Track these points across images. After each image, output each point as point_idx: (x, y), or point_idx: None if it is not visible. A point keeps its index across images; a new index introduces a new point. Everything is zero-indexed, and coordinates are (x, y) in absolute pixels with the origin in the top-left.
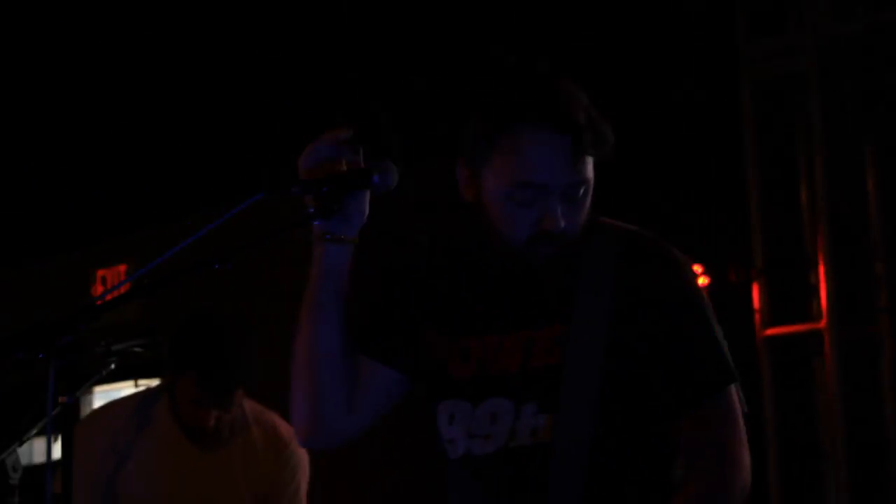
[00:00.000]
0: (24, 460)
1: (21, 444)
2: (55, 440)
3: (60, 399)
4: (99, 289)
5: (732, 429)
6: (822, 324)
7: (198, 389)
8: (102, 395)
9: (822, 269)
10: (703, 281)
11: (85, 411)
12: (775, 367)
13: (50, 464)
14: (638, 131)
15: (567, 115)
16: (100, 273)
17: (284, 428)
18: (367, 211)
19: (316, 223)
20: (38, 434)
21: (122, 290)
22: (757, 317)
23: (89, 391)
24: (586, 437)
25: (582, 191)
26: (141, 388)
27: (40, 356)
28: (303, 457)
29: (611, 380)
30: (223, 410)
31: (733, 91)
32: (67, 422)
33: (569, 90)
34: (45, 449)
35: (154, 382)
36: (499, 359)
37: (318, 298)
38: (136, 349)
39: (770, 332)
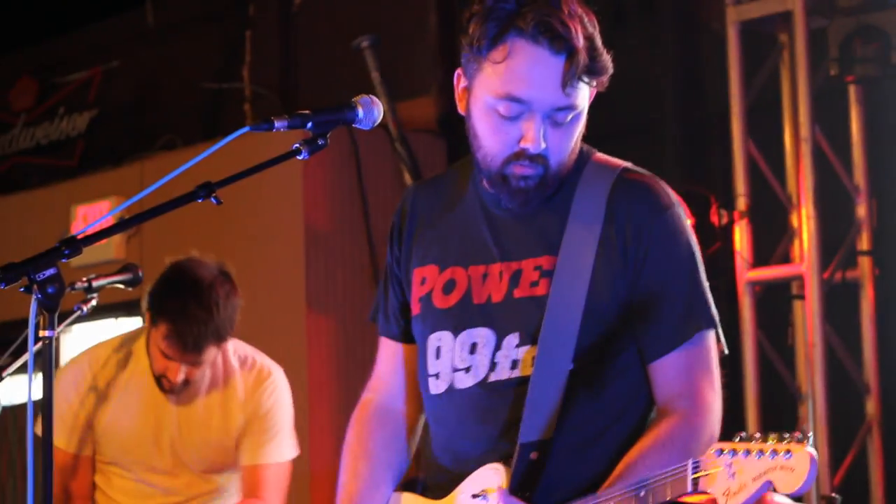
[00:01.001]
0: (4, 400)
1: (1, 379)
2: (36, 376)
3: (41, 334)
4: (80, 225)
5: (706, 374)
6: (804, 267)
7: (166, 343)
8: (82, 333)
9: (803, 212)
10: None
11: (65, 348)
12: (756, 310)
13: (31, 401)
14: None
15: (566, 35)
16: (80, 209)
17: (266, 362)
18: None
19: (303, 157)
20: (19, 371)
21: (105, 223)
22: (738, 259)
23: (69, 328)
24: (563, 369)
25: (570, 117)
26: (122, 331)
27: (21, 290)
28: (284, 391)
29: (592, 314)
30: (191, 366)
31: (718, 31)
32: (49, 358)
33: (574, 11)
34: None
35: (133, 321)
36: (484, 288)
37: None
38: (118, 285)
39: (751, 274)
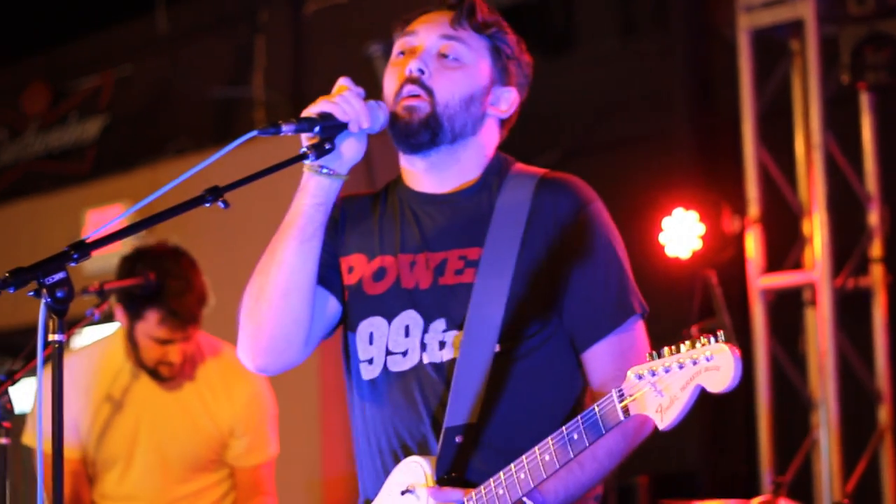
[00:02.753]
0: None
1: (14, 383)
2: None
3: (51, 338)
4: (90, 230)
5: (636, 361)
6: (816, 274)
7: (163, 327)
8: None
9: (815, 219)
10: (699, 233)
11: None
12: (768, 317)
13: (40, 403)
14: (634, 77)
15: (459, 3)
16: (92, 214)
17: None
18: (362, 150)
19: (310, 160)
20: (31, 374)
21: (114, 227)
22: (750, 266)
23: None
24: (488, 354)
25: (453, 51)
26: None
27: (31, 294)
28: (263, 387)
29: (516, 301)
30: (187, 342)
31: (729, 38)
32: (59, 363)
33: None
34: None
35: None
36: (412, 275)
37: (305, 229)
38: (130, 289)
39: (763, 281)
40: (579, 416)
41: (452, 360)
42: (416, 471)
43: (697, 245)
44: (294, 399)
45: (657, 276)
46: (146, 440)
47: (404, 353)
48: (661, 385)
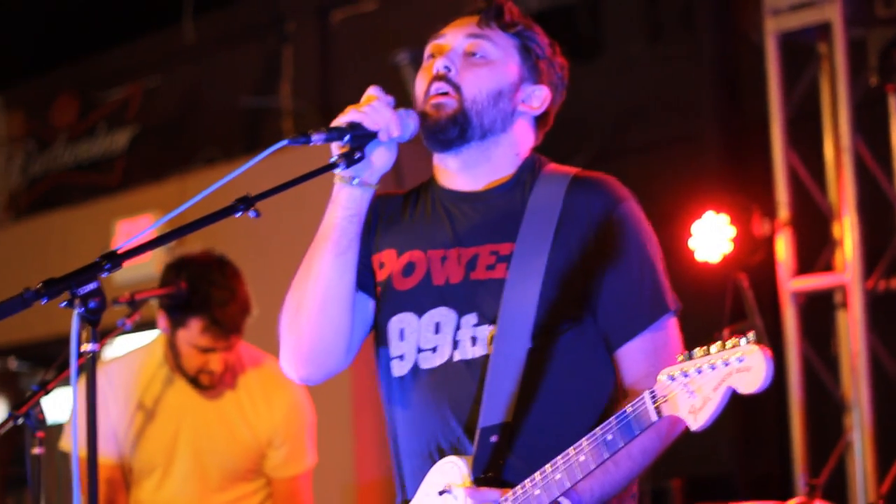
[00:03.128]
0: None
1: (47, 393)
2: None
3: (84, 348)
4: (122, 241)
5: (669, 359)
6: (847, 276)
7: (206, 335)
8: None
9: (846, 222)
10: (730, 236)
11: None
12: (799, 320)
13: (75, 412)
14: (662, 81)
15: (491, 2)
16: (122, 225)
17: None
18: (392, 159)
19: (340, 169)
20: (64, 384)
21: (145, 238)
22: (781, 269)
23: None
24: (521, 351)
25: (480, 48)
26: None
27: (63, 304)
28: (302, 399)
29: (548, 298)
30: (229, 351)
31: (757, 42)
32: (92, 372)
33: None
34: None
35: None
36: (442, 270)
37: (339, 242)
38: (161, 299)
39: (794, 284)
40: (613, 417)
41: (484, 357)
42: (452, 471)
43: (728, 248)
44: (327, 404)
45: (688, 280)
46: (185, 448)
47: (434, 350)
48: (693, 386)
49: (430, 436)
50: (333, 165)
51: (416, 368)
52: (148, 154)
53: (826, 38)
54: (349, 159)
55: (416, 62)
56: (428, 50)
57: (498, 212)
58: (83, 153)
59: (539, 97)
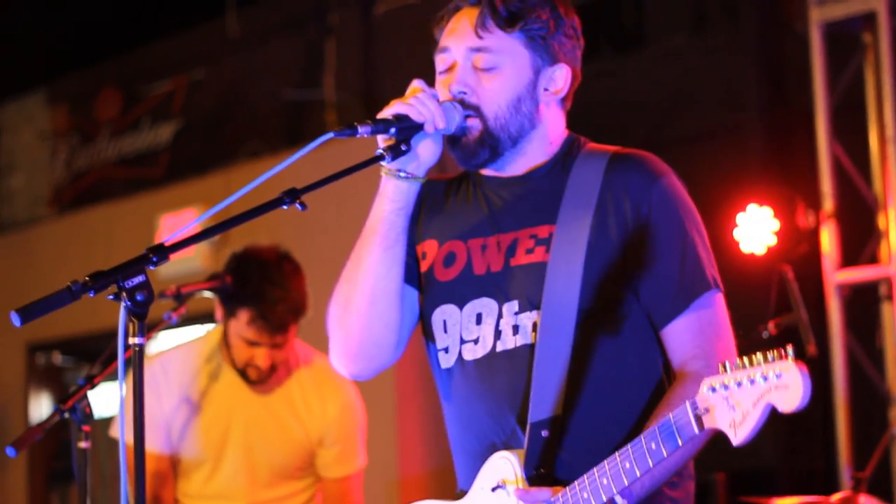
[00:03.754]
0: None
1: (93, 387)
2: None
3: (131, 341)
4: (166, 235)
5: (718, 335)
6: (892, 268)
7: (252, 328)
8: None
9: (891, 213)
10: (774, 229)
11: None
12: (844, 312)
13: (122, 405)
14: (706, 72)
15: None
16: (166, 219)
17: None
18: (438, 152)
19: (386, 162)
20: (110, 378)
21: (191, 231)
22: (826, 261)
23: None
24: (567, 338)
25: (486, 61)
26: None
27: (110, 297)
28: (354, 399)
29: (590, 280)
30: (276, 348)
31: (801, 32)
32: (139, 365)
33: None
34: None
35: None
36: (483, 259)
37: (388, 236)
38: (206, 293)
39: (839, 276)
40: (656, 426)
41: (527, 347)
42: (505, 467)
43: (772, 241)
44: (370, 399)
45: (732, 272)
46: (236, 442)
47: (476, 341)
48: (733, 400)
49: (478, 429)
50: (379, 158)
51: (460, 360)
52: (192, 148)
53: (871, 27)
54: (395, 151)
55: None
56: (438, 63)
57: (537, 194)
58: (127, 147)
59: (560, 77)
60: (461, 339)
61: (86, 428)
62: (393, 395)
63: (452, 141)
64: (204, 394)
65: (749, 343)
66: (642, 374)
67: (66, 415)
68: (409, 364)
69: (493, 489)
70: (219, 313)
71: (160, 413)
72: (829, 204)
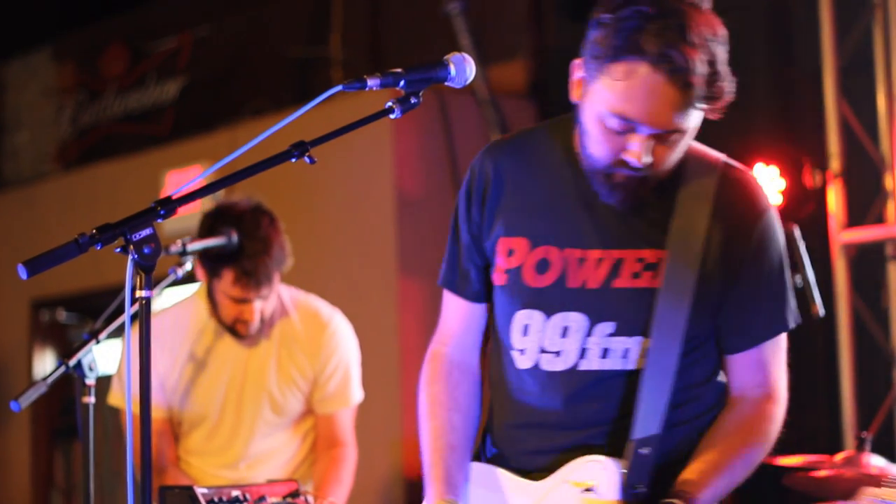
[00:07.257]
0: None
1: (98, 342)
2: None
3: (138, 294)
4: (169, 191)
5: (780, 367)
6: None
7: (237, 286)
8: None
9: None
10: (780, 188)
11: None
12: (850, 272)
13: (129, 357)
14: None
15: (686, 68)
16: (172, 176)
17: (324, 309)
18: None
19: (395, 115)
20: (115, 335)
21: (198, 185)
22: (832, 221)
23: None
24: (674, 361)
25: (676, 138)
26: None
27: (118, 250)
28: (346, 334)
29: (699, 308)
30: (264, 300)
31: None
32: (146, 319)
33: (701, 32)
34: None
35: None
36: (579, 273)
37: None
38: (212, 249)
39: (845, 236)
40: None
41: (618, 372)
42: (598, 473)
43: (778, 200)
44: (373, 359)
45: None
46: (234, 397)
47: (558, 354)
48: None
49: (553, 436)
50: (389, 111)
51: (536, 367)
52: (197, 105)
53: None
54: (405, 104)
55: (466, 11)
56: (607, 119)
57: (645, 213)
58: (133, 104)
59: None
60: (541, 347)
61: (90, 383)
62: (397, 355)
63: (605, 178)
64: (201, 353)
65: None
66: (714, 393)
67: (70, 370)
68: (413, 323)
69: (585, 490)
70: (200, 273)
71: (154, 373)
72: (835, 163)
